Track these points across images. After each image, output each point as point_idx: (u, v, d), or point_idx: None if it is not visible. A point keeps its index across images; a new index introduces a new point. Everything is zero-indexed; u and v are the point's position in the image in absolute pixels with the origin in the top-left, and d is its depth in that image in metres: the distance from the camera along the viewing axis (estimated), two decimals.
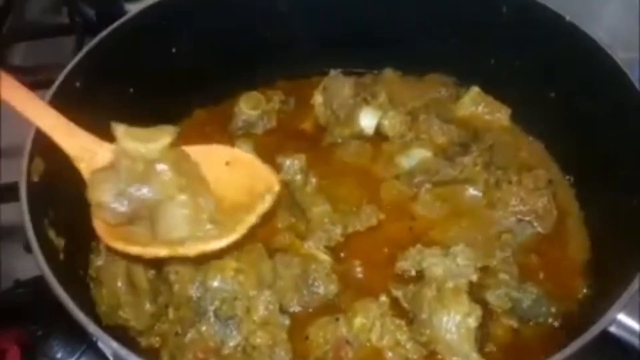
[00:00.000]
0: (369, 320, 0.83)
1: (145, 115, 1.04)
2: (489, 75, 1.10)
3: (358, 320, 0.83)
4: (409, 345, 0.83)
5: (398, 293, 0.87)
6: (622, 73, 0.90)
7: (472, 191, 0.99)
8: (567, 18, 0.96)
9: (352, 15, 1.13)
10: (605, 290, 0.77)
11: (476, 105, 1.11)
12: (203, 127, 1.12)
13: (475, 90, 1.11)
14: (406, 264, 0.89)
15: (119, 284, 0.86)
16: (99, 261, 0.89)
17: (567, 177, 1.02)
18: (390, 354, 0.82)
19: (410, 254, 0.89)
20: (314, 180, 0.98)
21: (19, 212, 0.88)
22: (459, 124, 1.09)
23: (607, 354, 0.82)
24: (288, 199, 0.97)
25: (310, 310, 0.88)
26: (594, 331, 0.68)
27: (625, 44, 1.06)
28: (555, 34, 0.98)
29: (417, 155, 1.04)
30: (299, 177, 0.97)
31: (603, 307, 0.69)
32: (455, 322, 0.81)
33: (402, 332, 0.83)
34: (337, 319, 0.84)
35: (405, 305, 0.86)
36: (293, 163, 0.98)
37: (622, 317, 0.69)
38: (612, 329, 0.69)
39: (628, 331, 0.69)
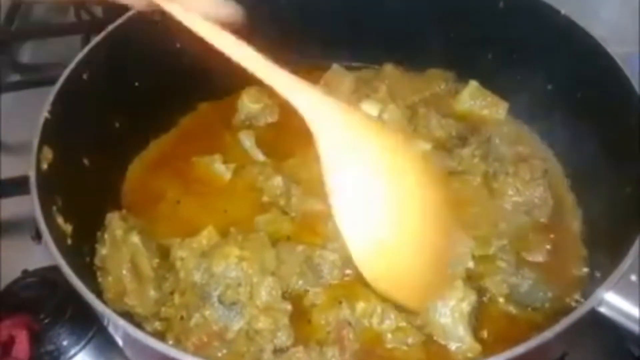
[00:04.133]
0: (371, 305, 0.85)
1: (150, 107, 1.08)
2: (487, 69, 1.12)
3: (360, 305, 0.85)
4: (408, 330, 0.84)
5: None
6: (616, 67, 0.91)
7: (470, 182, 1.01)
8: (563, 12, 0.98)
9: (352, 10, 1.15)
10: (598, 273, 0.79)
11: (474, 99, 1.13)
12: (208, 121, 1.14)
13: (473, 84, 1.13)
14: None
15: (124, 271, 0.88)
16: (103, 250, 0.91)
17: (563, 167, 1.04)
18: (389, 337, 0.84)
19: None
20: (297, 192, 0.99)
21: (24, 205, 0.91)
22: (458, 117, 1.10)
23: (601, 335, 0.85)
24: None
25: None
26: (580, 311, 0.69)
27: (622, 39, 1.08)
28: (551, 28, 0.99)
29: (417, 147, 1.05)
30: (280, 197, 1.00)
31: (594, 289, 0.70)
32: (449, 307, 0.83)
33: (402, 317, 0.85)
34: (340, 302, 0.85)
35: None
36: (273, 184, 1.00)
37: (611, 296, 0.69)
38: (603, 309, 0.70)
39: (617, 311, 0.70)
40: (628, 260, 0.71)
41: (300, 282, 0.89)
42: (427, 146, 1.05)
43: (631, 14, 1.24)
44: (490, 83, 1.12)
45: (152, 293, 0.88)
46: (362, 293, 0.87)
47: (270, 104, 1.13)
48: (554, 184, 1.00)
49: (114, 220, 0.93)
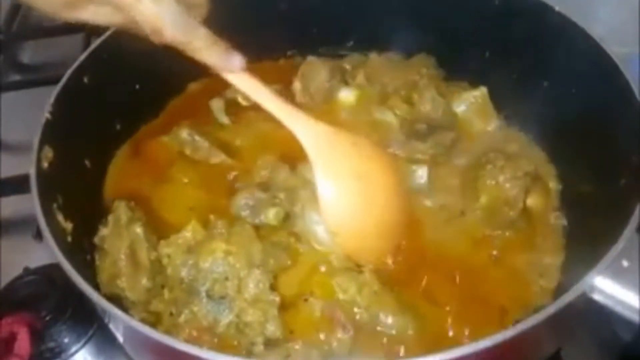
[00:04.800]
0: (328, 284, 0.88)
1: (150, 107, 1.11)
2: (484, 68, 1.12)
3: (319, 292, 0.88)
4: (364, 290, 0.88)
5: (281, 195, 0.97)
6: (614, 66, 0.91)
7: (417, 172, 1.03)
8: (557, 9, 0.98)
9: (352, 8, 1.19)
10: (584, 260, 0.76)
11: (472, 104, 1.12)
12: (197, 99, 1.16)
13: (482, 90, 1.12)
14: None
15: (122, 255, 0.89)
16: (105, 230, 0.92)
17: (552, 164, 1.05)
18: (359, 299, 0.87)
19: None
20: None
21: (25, 203, 0.92)
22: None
23: (595, 329, 0.85)
24: None
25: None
26: (570, 295, 0.68)
27: (621, 39, 1.07)
28: (546, 25, 1.00)
29: (386, 116, 1.09)
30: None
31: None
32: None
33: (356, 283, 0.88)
34: (306, 300, 0.87)
35: (286, 205, 0.96)
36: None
37: (601, 281, 0.69)
38: (594, 295, 0.69)
39: (608, 296, 0.69)
40: (619, 245, 0.70)
41: (281, 263, 0.91)
42: (393, 121, 1.08)
43: (630, 14, 1.23)
44: (487, 82, 1.12)
45: (145, 282, 0.88)
46: (318, 284, 0.89)
47: None
48: (541, 185, 1.01)
49: (121, 207, 0.94)
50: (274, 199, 0.97)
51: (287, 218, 0.95)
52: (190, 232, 0.90)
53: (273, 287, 0.87)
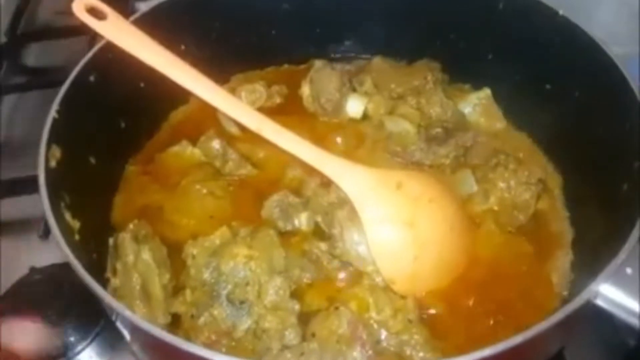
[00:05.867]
0: (365, 300, 0.87)
1: (155, 106, 1.11)
2: (486, 71, 1.13)
3: (354, 304, 0.87)
4: (404, 308, 0.86)
5: (318, 218, 0.95)
6: (614, 66, 0.92)
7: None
8: (561, 12, 0.99)
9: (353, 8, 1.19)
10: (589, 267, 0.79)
11: (477, 106, 1.13)
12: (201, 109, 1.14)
13: (486, 92, 1.13)
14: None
15: (137, 301, 0.87)
16: (116, 282, 0.90)
17: (555, 169, 1.06)
18: (391, 322, 0.85)
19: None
20: (234, 157, 1.06)
21: (26, 204, 0.92)
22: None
23: (598, 328, 0.86)
24: None
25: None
26: (576, 303, 0.69)
27: (620, 39, 1.08)
28: (550, 29, 1.00)
29: (401, 124, 1.08)
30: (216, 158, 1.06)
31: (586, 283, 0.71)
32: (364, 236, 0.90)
33: (396, 298, 0.88)
34: (337, 308, 0.85)
35: (324, 227, 0.94)
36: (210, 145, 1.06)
37: (606, 288, 0.70)
38: (599, 301, 0.71)
39: (613, 304, 0.70)
40: (623, 253, 0.72)
41: (306, 275, 0.91)
42: (410, 128, 1.07)
43: (630, 16, 1.24)
44: (489, 85, 1.13)
45: (161, 318, 0.87)
46: (351, 294, 0.88)
47: (265, 95, 1.16)
48: (546, 190, 1.02)
49: (126, 242, 0.91)
50: (306, 204, 0.96)
51: (328, 238, 0.94)
52: (219, 238, 0.91)
53: (294, 295, 0.87)
